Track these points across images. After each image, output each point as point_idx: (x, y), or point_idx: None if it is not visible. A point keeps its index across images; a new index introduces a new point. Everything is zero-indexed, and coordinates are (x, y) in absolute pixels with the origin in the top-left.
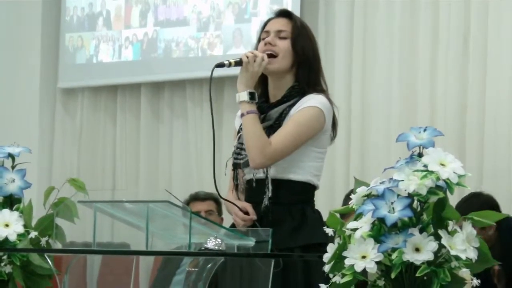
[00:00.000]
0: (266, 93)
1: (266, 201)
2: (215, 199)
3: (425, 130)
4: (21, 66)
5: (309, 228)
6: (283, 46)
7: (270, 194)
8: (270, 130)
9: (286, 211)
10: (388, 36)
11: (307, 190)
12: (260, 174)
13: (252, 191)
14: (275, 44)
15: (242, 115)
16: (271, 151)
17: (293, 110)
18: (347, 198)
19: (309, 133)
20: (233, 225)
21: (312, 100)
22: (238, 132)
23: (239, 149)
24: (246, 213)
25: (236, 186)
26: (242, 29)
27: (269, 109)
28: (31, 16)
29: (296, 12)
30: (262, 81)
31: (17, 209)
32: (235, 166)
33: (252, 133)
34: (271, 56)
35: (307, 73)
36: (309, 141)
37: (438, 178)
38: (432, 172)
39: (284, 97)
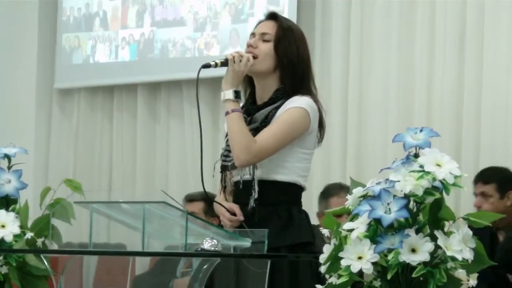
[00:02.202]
0: (254, 95)
1: (252, 202)
2: (206, 200)
3: (421, 130)
4: (17, 66)
5: (296, 228)
6: (264, 48)
7: (256, 195)
8: (256, 132)
9: (272, 211)
10: (385, 38)
11: (294, 190)
12: (247, 176)
13: (239, 192)
14: (256, 46)
15: (226, 113)
16: (256, 148)
17: (279, 112)
18: (323, 194)
19: (294, 133)
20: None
21: (298, 102)
22: (227, 135)
23: (227, 151)
24: (234, 214)
25: (224, 188)
26: (239, 29)
27: (255, 111)
28: (27, 16)
29: (293, 13)
30: (251, 82)
31: (13, 210)
32: (223, 168)
33: (237, 131)
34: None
35: (290, 76)
36: (294, 141)
37: (434, 179)
38: (428, 172)
39: (270, 100)
